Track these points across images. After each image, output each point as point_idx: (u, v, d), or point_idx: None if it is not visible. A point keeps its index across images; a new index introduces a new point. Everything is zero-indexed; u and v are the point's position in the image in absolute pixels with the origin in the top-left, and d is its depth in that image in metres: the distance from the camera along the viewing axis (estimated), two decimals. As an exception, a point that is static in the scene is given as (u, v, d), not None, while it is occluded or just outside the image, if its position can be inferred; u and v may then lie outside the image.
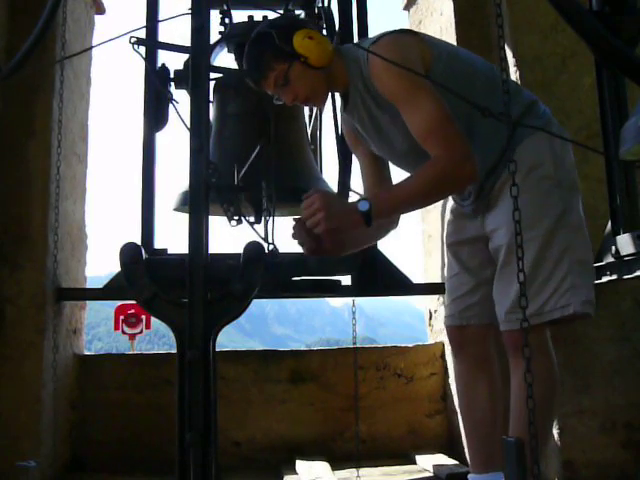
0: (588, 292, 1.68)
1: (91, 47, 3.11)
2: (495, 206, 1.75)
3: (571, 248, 1.66)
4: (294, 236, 1.76)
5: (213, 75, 2.52)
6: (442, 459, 2.69)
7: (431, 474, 2.56)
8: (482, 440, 1.84)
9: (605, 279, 1.99)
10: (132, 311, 7.75)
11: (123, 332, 7.98)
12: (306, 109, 2.69)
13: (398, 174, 2.04)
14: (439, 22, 3.06)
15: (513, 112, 1.63)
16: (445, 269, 2.95)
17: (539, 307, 1.63)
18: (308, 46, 1.67)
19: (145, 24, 2.56)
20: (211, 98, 2.49)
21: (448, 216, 2.01)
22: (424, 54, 1.67)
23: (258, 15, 2.55)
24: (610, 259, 1.93)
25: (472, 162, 1.57)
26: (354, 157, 2.22)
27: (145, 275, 1.35)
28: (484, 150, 1.71)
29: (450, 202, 2.00)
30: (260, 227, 1.78)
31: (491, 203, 1.76)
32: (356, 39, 2.64)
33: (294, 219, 1.76)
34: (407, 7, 3.54)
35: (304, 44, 1.67)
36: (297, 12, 2.78)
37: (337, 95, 2.13)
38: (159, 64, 2.56)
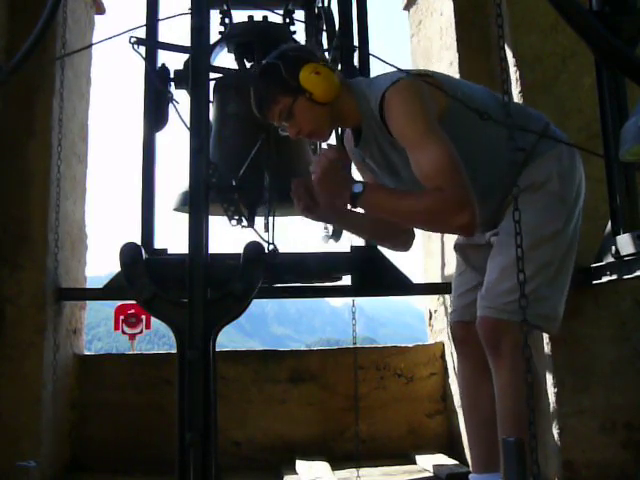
0: (547, 307, 1.69)
1: (91, 44, 3.11)
2: (502, 219, 1.78)
3: (551, 263, 1.69)
4: (292, 192, 1.78)
5: (213, 75, 2.52)
6: (442, 459, 2.69)
7: (431, 474, 2.56)
8: (484, 440, 1.84)
9: (605, 279, 1.99)
10: (132, 311, 7.75)
11: (123, 332, 7.98)
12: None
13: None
14: (439, 22, 3.06)
15: (527, 140, 1.66)
16: (445, 269, 2.96)
17: (500, 303, 1.65)
18: (314, 81, 1.66)
19: (145, 23, 2.56)
20: (211, 98, 2.49)
21: None
22: (439, 98, 1.65)
23: (258, 15, 2.56)
24: (610, 259, 1.93)
25: (470, 214, 1.51)
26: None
27: (145, 275, 1.35)
28: (496, 185, 1.74)
29: None
30: (260, 227, 1.79)
31: (499, 221, 1.79)
32: (356, 39, 2.65)
33: (294, 180, 1.78)
34: (407, 7, 3.54)
35: (310, 79, 1.66)
36: (297, 12, 2.78)
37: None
38: (159, 64, 2.56)
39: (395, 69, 1.64)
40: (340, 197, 1.67)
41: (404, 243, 1.99)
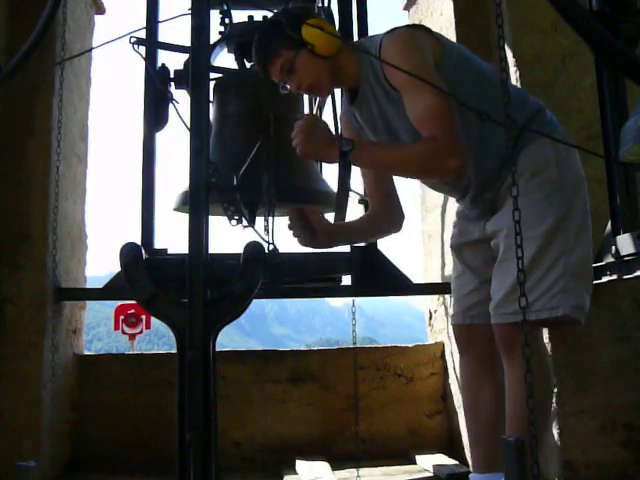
0: (580, 297, 1.67)
1: (91, 48, 3.11)
2: (499, 209, 1.77)
3: (568, 252, 1.67)
4: (289, 227, 1.80)
5: (213, 75, 2.52)
6: (442, 459, 2.69)
7: (431, 474, 2.56)
8: (485, 440, 1.84)
9: (605, 279, 1.99)
10: (132, 311, 7.74)
11: (123, 332, 7.97)
12: (306, 109, 2.69)
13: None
14: (439, 22, 3.06)
15: (518, 119, 1.65)
16: (445, 269, 2.96)
17: (528, 305, 1.64)
18: (316, 35, 1.69)
19: (145, 25, 2.56)
20: (211, 98, 2.49)
21: (454, 219, 2.03)
22: (435, 48, 1.69)
23: (258, 15, 2.56)
24: (610, 259, 1.93)
25: (460, 156, 1.57)
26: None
27: (145, 275, 1.35)
28: (491, 154, 1.73)
29: (456, 205, 2.02)
30: (260, 227, 1.79)
31: (496, 207, 1.78)
32: (356, 39, 2.65)
33: (289, 210, 1.80)
34: (407, 7, 3.54)
35: (312, 33, 1.70)
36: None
37: (336, 94, 2.12)
38: (159, 64, 2.56)
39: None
40: (329, 156, 1.69)
41: (396, 225, 2.01)
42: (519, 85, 2.36)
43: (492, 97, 1.52)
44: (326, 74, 1.76)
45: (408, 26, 1.76)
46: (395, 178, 1.99)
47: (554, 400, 2.14)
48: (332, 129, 1.82)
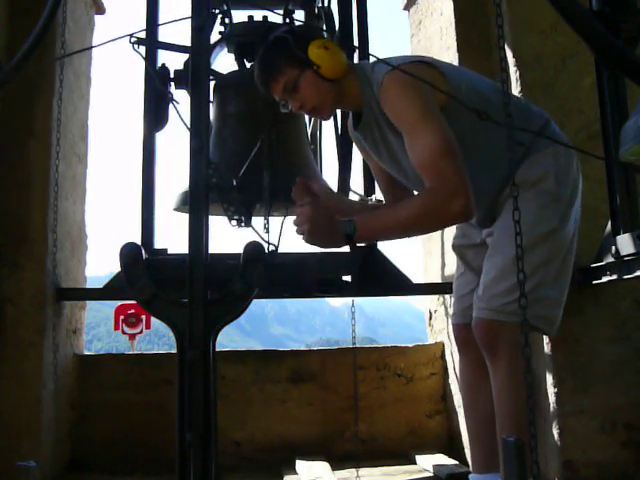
0: (549, 309, 1.70)
1: (91, 47, 3.11)
2: (497, 218, 1.78)
3: (550, 262, 1.69)
4: (294, 196, 1.78)
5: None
6: (442, 459, 2.69)
7: (431, 474, 2.56)
8: (484, 439, 1.85)
9: (605, 279, 1.99)
10: (132, 311, 7.74)
11: (123, 332, 7.97)
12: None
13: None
14: (439, 22, 3.06)
15: (526, 135, 1.64)
16: (445, 269, 2.96)
17: (497, 305, 1.65)
18: (322, 56, 1.67)
19: (145, 27, 2.56)
20: (211, 98, 2.49)
21: None
22: (441, 86, 1.63)
23: (258, 15, 2.56)
24: (610, 259, 1.93)
25: (464, 199, 1.51)
26: (354, 157, 2.22)
27: (145, 275, 1.35)
28: (494, 180, 1.74)
29: None
30: (260, 227, 1.79)
31: (495, 218, 1.79)
32: (356, 39, 2.65)
33: (298, 180, 1.78)
34: (407, 7, 3.54)
35: (318, 53, 1.67)
36: (297, 12, 2.78)
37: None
38: (159, 64, 2.56)
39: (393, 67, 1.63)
40: (334, 242, 1.66)
41: None
42: (519, 85, 2.36)
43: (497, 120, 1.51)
44: (330, 97, 1.73)
45: (413, 62, 1.69)
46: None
47: (554, 400, 2.15)
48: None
